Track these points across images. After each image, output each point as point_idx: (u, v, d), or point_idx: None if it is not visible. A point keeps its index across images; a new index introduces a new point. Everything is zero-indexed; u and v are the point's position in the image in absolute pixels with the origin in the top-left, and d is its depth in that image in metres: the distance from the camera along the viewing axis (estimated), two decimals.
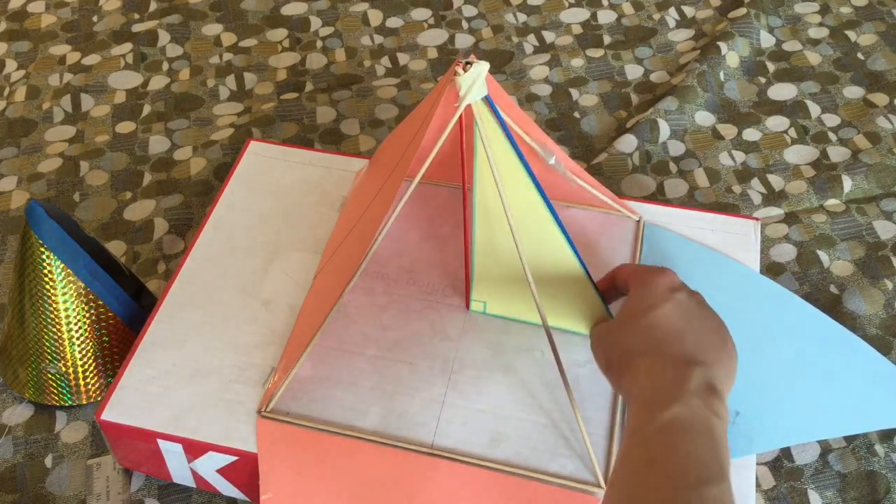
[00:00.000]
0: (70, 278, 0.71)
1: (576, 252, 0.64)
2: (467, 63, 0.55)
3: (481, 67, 0.55)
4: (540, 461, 0.62)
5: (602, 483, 0.60)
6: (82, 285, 0.71)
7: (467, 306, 0.71)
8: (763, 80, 1.03)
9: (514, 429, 0.64)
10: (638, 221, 0.76)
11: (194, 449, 0.64)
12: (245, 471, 0.64)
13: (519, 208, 0.60)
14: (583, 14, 1.13)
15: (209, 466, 0.65)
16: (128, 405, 0.65)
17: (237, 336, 0.69)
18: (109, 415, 0.65)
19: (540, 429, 0.63)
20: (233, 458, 0.63)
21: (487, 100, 0.56)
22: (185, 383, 0.67)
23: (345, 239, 0.70)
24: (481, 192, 0.63)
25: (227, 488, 0.67)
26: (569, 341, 0.68)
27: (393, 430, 0.64)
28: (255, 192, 0.80)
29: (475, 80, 0.55)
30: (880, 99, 1.00)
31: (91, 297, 0.72)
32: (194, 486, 0.68)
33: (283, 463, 0.62)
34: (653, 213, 0.77)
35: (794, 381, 0.66)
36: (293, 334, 0.69)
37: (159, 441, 0.64)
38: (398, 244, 0.75)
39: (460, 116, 0.58)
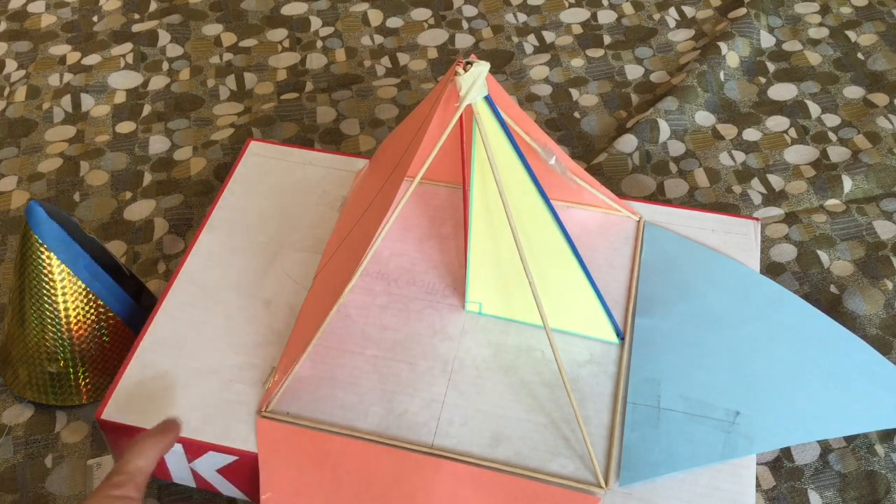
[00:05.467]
0: (70, 278, 0.71)
1: (576, 253, 0.64)
2: (468, 63, 0.55)
3: (482, 67, 0.55)
4: (540, 461, 0.62)
5: (602, 483, 0.60)
6: (82, 285, 0.71)
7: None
8: (763, 80, 1.03)
9: (514, 429, 0.64)
10: (638, 221, 0.76)
11: (194, 449, 0.64)
12: (245, 470, 0.64)
13: (519, 208, 0.60)
14: (583, 14, 1.13)
15: (209, 466, 0.65)
16: (128, 405, 0.65)
17: (237, 336, 0.69)
18: (109, 414, 0.65)
19: (540, 429, 0.63)
20: (233, 458, 0.63)
21: (488, 100, 0.56)
22: (185, 383, 0.66)
23: (345, 239, 0.70)
24: (479, 192, 0.63)
25: (227, 488, 0.67)
26: (569, 342, 0.68)
27: (393, 431, 0.63)
28: (255, 192, 0.80)
29: (476, 80, 0.55)
30: (880, 99, 1.00)
31: (91, 297, 0.72)
32: (194, 485, 0.68)
33: (283, 463, 0.62)
34: (653, 213, 0.77)
35: (794, 381, 0.66)
36: (293, 334, 0.69)
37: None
38: (398, 244, 0.75)
39: (460, 116, 0.58)
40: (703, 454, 0.61)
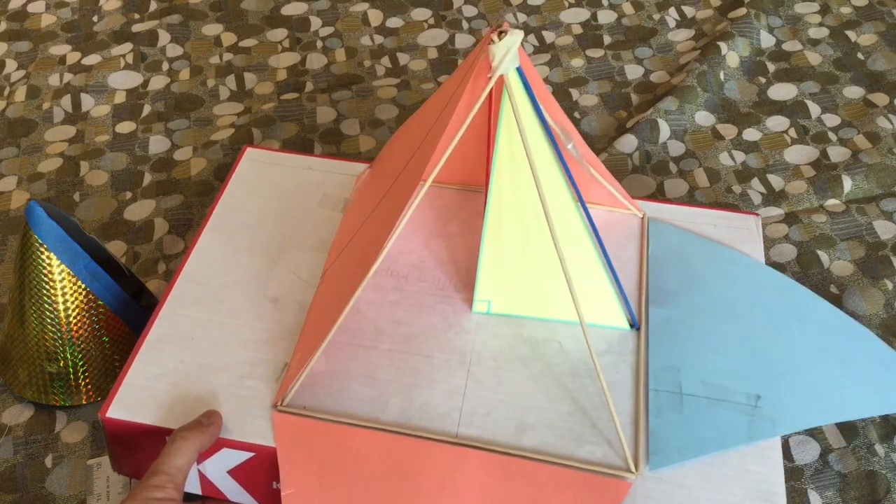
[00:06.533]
0: (70, 278, 0.71)
1: (596, 235, 0.63)
2: (501, 32, 0.53)
3: (516, 37, 0.53)
4: (568, 448, 0.61)
5: (633, 468, 0.60)
6: (82, 285, 0.71)
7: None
8: (763, 80, 1.03)
9: (538, 417, 0.63)
10: (642, 218, 0.76)
11: None
12: (260, 469, 0.63)
13: (545, 191, 0.59)
14: (583, 14, 1.13)
15: (220, 466, 0.63)
16: (134, 402, 0.64)
17: (246, 333, 0.68)
18: (115, 412, 0.63)
19: (565, 417, 0.63)
20: (248, 455, 0.62)
21: (519, 72, 0.55)
22: (194, 380, 0.65)
23: (357, 233, 0.70)
24: (498, 177, 0.62)
25: (236, 492, 0.65)
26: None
27: (415, 422, 0.63)
28: (254, 196, 0.79)
29: (509, 50, 0.54)
30: (880, 99, 1.00)
31: (91, 297, 0.72)
32: (200, 492, 0.66)
33: (303, 457, 0.61)
34: (655, 210, 0.77)
35: (808, 366, 0.66)
36: (304, 331, 0.68)
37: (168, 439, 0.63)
38: (405, 242, 0.75)
39: (491, 89, 0.56)
40: (729, 437, 0.62)
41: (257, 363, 0.66)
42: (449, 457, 0.61)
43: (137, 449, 0.65)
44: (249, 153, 0.83)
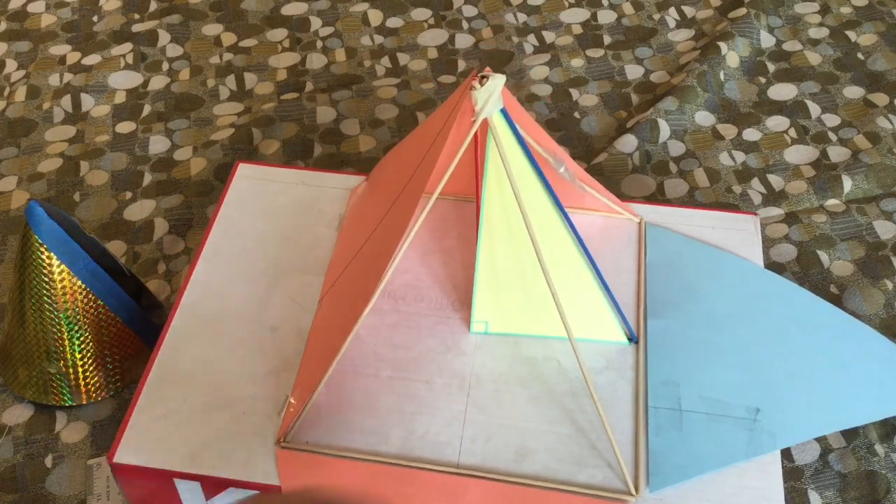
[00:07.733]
0: (70, 278, 0.71)
1: (590, 260, 0.63)
2: (482, 77, 0.55)
3: (498, 81, 0.55)
4: (568, 473, 0.61)
5: (633, 490, 0.60)
6: (82, 285, 0.71)
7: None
8: (763, 80, 1.03)
9: (538, 441, 0.63)
10: (639, 223, 0.76)
11: (213, 486, 0.62)
12: None
13: (534, 222, 0.60)
14: (583, 14, 1.13)
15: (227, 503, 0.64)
16: (140, 446, 0.63)
17: (246, 366, 0.68)
18: (122, 457, 0.63)
19: (564, 440, 0.63)
20: (254, 493, 0.62)
21: (504, 113, 0.56)
22: (198, 419, 0.65)
23: (352, 260, 0.69)
24: (490, 205, 0.62)
25: None
26: (582, 349, 0.67)
27: (417, 452, 0.62)
28: (248, 217, 0.78)
29: (491, 94, 0.55)
30: (880, 99, 1.00)
31: (91, 297, 0.72)
32: None
33: (308, 493, 0.61)
34: (653, 213, 0.77)
35: (809, 373, 0.66)
36: (304, 360, 0.67)
37: (176, 480, 0.63)
38: (402, 261, 0.73)
39: (476, 131, 0.57)
40: (728, 454, 0.62)
41: (259, 398, 0.66)
42: (451, 487, 0.61)
43: (149, 487, 0.64)
44: (241, 169, 0.82)
